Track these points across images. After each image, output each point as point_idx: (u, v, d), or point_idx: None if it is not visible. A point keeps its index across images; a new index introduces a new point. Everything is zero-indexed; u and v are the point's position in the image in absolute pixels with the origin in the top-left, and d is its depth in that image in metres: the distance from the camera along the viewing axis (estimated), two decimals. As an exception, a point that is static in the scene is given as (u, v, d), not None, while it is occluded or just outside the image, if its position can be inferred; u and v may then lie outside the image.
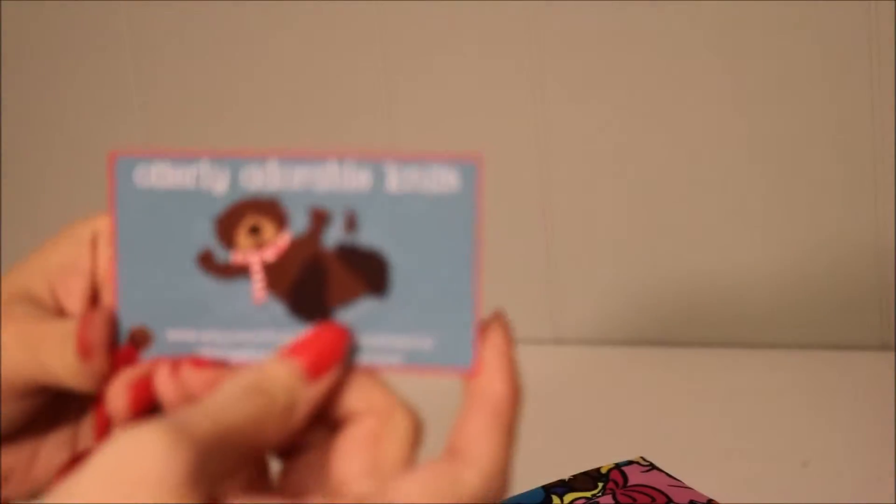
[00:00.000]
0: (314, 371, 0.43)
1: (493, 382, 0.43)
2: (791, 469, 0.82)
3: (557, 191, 1.04)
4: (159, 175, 0.44)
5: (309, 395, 0.42)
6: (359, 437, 0.43)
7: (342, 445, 0.43)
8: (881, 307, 0.96)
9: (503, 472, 0.42)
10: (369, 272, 0.44)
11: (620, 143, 1.02)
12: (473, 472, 0.41)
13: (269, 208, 0.44)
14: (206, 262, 0.44)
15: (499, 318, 0.44)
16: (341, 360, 0.43)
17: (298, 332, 0.44)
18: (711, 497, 0.72)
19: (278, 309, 0.44)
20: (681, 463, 0.81)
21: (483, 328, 0.44)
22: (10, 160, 1.14)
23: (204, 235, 0.44)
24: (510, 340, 0.44)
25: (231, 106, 1.10)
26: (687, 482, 0.74)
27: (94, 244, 0.48)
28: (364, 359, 0.44)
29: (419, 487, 0.41)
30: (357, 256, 0.44)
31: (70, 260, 0.48)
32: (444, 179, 0.44)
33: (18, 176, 1.14)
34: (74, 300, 0.47)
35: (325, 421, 0.44)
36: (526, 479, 0.72)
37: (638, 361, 1.01)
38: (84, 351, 0.44)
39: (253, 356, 0.44)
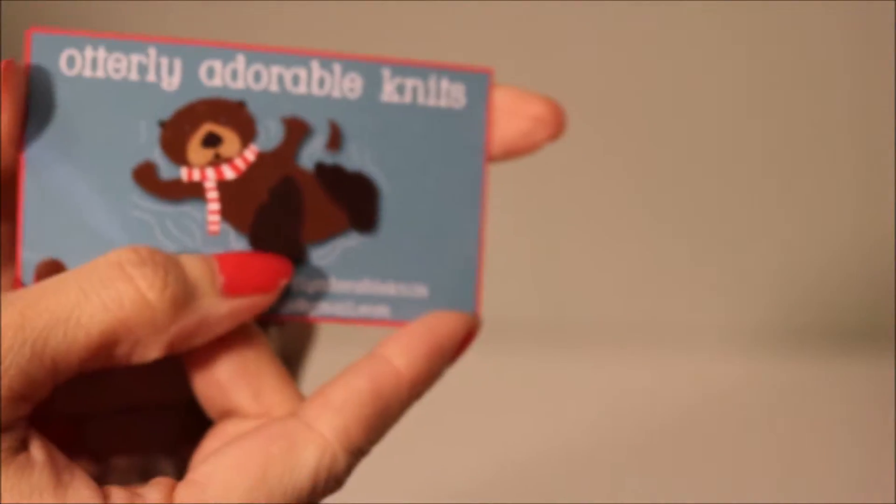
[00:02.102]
0: (236, 281, 0.32)
1: (392, 354, 0.34)
2: (791, 469, 0.79)
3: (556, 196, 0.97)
4: (92, 62, 0.34)
5: (217, 308, 0.32)
6: (242, 445, 0.32)
7: (208, 442, 0.34)
8: (880, 307, 0.94)
9: (353, 455, 0.33)
10: (355, 201, 0.35)
11: (622, 140, 0.97)
12: (315, 447, 0.32)
13: (233, 113, 0.35)
14: (146, 177, 0.34)
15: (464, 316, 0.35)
16: (272, 290, 0.33)
17: None
18: (710, 497, 0.70)
19: (236, 243, 0.35)
20: (672, 464, 0.78)
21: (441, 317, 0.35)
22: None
23: (146, 142, 0.34)
24: (455, 331, 0.35)
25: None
26: (683, 483, 0.73)
27: None
28: (341, 310, 0.35)
29: (238, 471, 0.31)
30: (341, 180, 0.35)
31: None
32: (449, 92, 0.36)
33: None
34: None
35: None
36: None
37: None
38: None
39: None
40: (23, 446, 0.30)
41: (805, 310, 0.95)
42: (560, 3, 0.93)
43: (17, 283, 0.33)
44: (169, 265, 0.31)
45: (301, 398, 0.34)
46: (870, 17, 0.90)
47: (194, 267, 0.32)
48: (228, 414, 0.34)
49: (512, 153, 0.36)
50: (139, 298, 0.31)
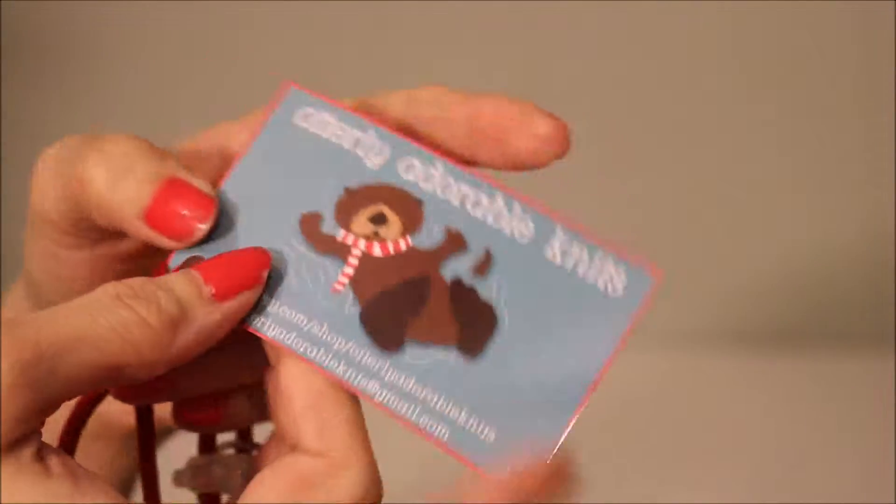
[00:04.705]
0: (222, 287, 0.35)
1: None
2: (791, 469, 0.79)
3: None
4: (322, 123, 0.38)
5: (209, 315, 0.34)
6: (290, 477, 0.34)
7: (267, 476, 0.35)
8: (881, 306, 0.91)
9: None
10: (472, 324, 0.36)
11: (621, 141, 0.97)
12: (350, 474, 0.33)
13: (409, 206, 0.37)
14: (309, 224, 0.37)
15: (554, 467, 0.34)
16: (256, 284, 0.35)
17: (352, 341, 0.36)
18: (710, 497, 0.73)
19: (348, 309, 0.36)
20: (675, 464, 0.79)
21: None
22: (11, 158, 1.06)
23: (326, 198, 0.38)
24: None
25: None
26: (681, 483, 0.74)
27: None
28: (405, 409, 0.35)
29: (269, 488, 0.33)
30: (469, 301, 0.36)
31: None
32: (611, 275, 0.36)
33: (18, 174, 1.10)
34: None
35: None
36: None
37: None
38: (156, 217, 0.36)
39: (284, 340, 0.36)
40: (39, 457, 0.32)
41: (805, 310, 0.91)
42: (557, 4, 0.93)
43: (163, 269, 0.37)
44: (160, 291, 0.34)
45: (367, 445, 0.34)
46: (870, 17, 0.86)
47: (182, 286, 0.35)
48: (294, 448, 0.35)
49: (520, 168, 0.36)
50: (141, 321, 0.34)
